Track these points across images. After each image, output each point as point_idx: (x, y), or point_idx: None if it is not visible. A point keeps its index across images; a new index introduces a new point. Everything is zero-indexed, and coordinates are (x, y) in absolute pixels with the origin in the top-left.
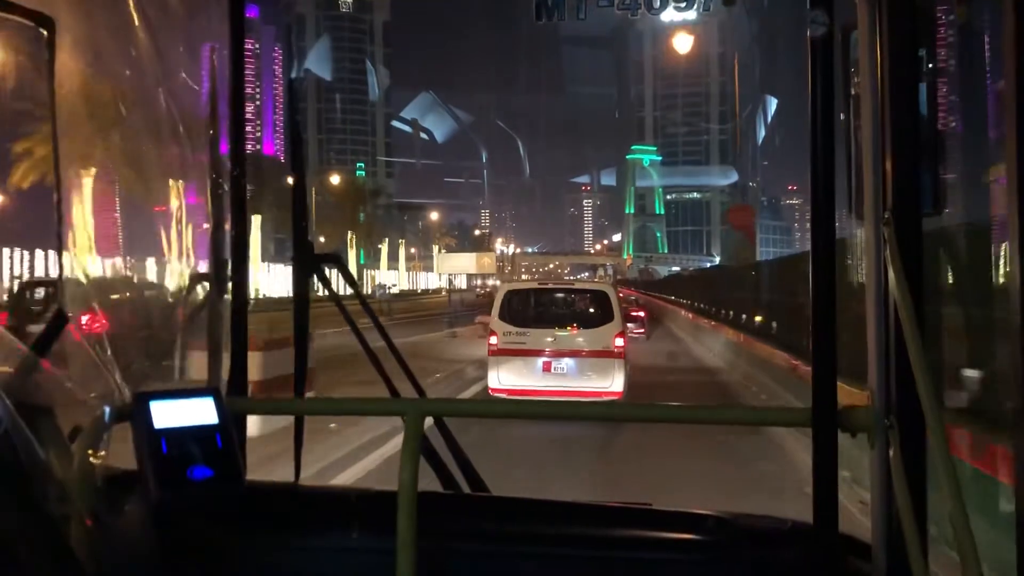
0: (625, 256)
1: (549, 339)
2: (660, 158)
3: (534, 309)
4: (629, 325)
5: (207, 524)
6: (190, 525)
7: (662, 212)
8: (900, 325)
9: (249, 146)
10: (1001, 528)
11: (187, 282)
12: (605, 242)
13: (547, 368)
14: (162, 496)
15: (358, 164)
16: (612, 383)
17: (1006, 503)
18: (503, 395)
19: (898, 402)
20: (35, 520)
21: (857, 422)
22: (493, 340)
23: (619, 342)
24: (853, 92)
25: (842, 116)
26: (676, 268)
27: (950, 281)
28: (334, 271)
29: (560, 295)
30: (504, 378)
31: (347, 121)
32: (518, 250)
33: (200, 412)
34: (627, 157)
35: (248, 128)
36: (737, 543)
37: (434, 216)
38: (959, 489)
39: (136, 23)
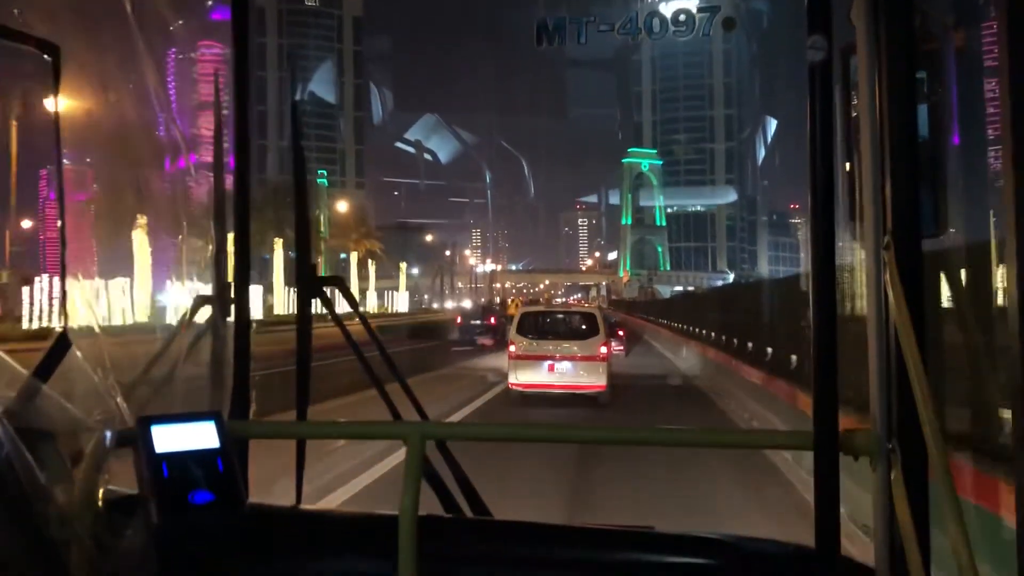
0: (621, 273)
1: (552, 347)
2: (661, 162)
3: (541, 326)
4: (612, 341)
5: (208, 548)
6: (191, 549)
7: (663, 224)
8: (901, 349)
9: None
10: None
11: (190, 304)
12: (597, 255)
13: (551, 369)
14: (163, 520)
15: (319, 171)
16: (598, 379)
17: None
18: (520, 389)
19: (900, 426)
20: (36, 545)
21: (859, 446)
22: (512, 348)
23: (603, 349)
24: (853, 114)
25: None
26: (679, 288)
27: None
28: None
29: (560, 316)
30: (520, 376)
31: (310, 125)
32: (498, 267)
33: (202, 436)
34: (623, 161)
35: (206, 135)
36: (740, 567)
37: (342, 208)
38: (960, 512)
39: (140, 48)
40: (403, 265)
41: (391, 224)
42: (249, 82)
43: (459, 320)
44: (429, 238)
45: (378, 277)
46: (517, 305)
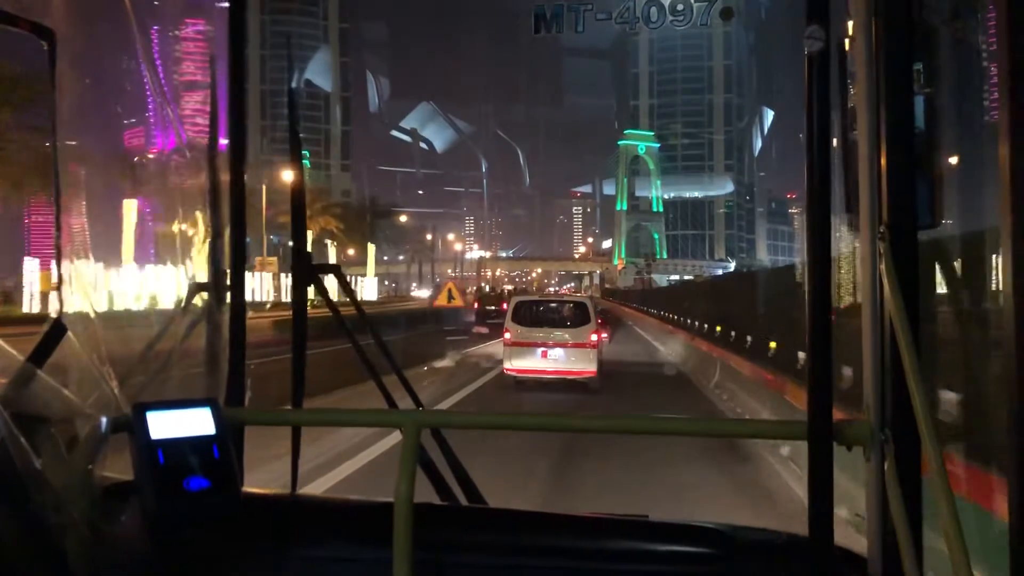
0: (616, 261)
1: (545, 335)
2: (657, 145)
3: (535, 314)
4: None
5: (204, 534)
6: (187, 536)
7: (661, 210)
8: (896, 339)
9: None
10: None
11: (185, 291)
12: (591, 240)
13: (544, 355)
14: (159, 507)
15: (302, 152)
16: (589, 365)
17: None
18: (515, 374)
19: (893, 416)
20: (32, 530)
21: (852, 435)
22: (507, 335)
23: (593, 337)
24: (850, 104)
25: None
26: (676, 277)
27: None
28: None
29: (553, 304)
30: (515, 362)
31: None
32: (488, 253)
33: (197, 423)
34: (619, 143)
35: (201, 120)
36: (734, 556)
37: (286, 176)
38: (953, 501)
39: (135, 33)
40: (372, 248)
41: (360, 203)
42: (245, 67)
43: (477, 305)
44: (403, 219)
45: (353, 263)
46: (452, 296)
